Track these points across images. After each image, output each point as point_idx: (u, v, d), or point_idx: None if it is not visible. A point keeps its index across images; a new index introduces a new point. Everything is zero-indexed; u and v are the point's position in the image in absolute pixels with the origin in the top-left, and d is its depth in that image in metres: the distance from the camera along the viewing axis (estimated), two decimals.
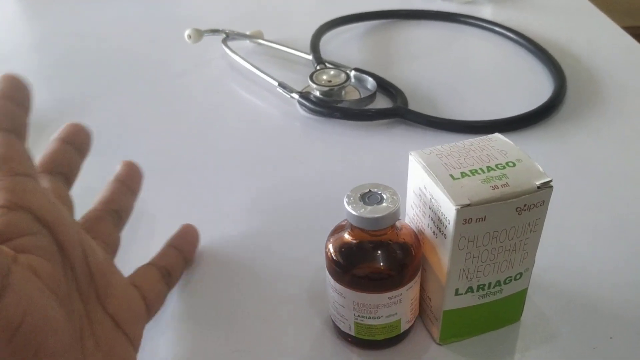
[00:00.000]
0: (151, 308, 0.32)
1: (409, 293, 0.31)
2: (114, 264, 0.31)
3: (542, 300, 0.36)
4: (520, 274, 0.32)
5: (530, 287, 0.33)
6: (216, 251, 0.40)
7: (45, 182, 0.30)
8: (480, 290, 0.31)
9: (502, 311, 0.33)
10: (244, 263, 0.39)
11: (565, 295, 0.36)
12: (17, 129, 0.26)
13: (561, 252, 0.39)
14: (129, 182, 0.36)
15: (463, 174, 0.29)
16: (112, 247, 0.32)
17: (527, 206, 0.28)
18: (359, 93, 0.58)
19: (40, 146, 0.48)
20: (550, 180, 0.28)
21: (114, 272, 0.30)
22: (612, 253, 0.39)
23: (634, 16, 1.55)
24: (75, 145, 0.33)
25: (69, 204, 0.31)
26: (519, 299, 0.33)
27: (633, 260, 0.38)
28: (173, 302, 0.37)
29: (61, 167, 0.32)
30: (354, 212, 0.29)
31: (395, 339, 0.33)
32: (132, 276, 0.33)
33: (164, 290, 0.34)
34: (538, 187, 0.28)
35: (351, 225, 0.30)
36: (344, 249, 0.30)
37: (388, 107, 0.55)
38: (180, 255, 0.37)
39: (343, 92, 0.56)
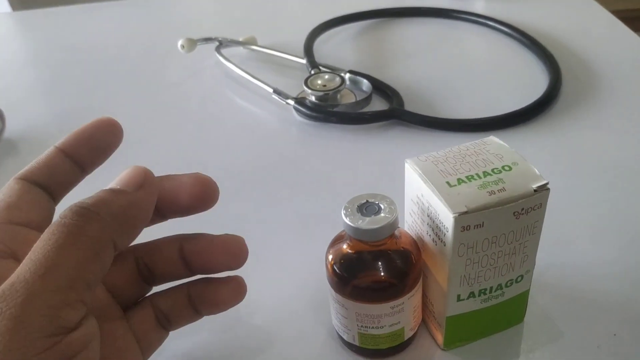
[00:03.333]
0: (145, 352, 0.30)
1: (411, 301, 0.31)
2: (116, 309, 0.29)
3: (545, 300, 0.36)
4: (521, 276, 0.32)
5: (533, 287, 0.33)
6: None
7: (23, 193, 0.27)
8: (482, 294, 0.31)
9: (505, 314, 0.33)
10: (243, 274, 0.39)
11: (567, 294, 0.36)
12: (45, 184, 0.27)
13: (562, 250, 0.39)
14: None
15: (459, 181, 0.29)
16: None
17: (525, 210, 0.28)
18: (355, 96, 0.57)
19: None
20: (547, 183, 0.28)
21: (113, 317, 0.28)
22: (614, 249, 0.39)
23: None
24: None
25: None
26: (522, 300, 0.33)
27: (635, 256, 0.38)
28: None
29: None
30: (351, 224, 0.29)
31: (399, 347, 0.33)
32: (128, 316, 0.30)
33: (159, 338, 0.30)
34: (535, 191, 0.28)
35: (350, 236, 0.30)
36: (344, 261, 0.31)
37: (384, 109, 0.55)
38: (192, 308, 0.30)
39: (338, 96, 0.56)
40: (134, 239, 0.26)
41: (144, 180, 0.26)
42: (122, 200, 0.25)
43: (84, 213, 0.23)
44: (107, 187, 0.26)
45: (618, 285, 0.36)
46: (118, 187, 0.26)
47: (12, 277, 0.21)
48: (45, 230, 0.23)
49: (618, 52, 0.63)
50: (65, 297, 0.21)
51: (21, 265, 0.22)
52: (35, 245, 0.22)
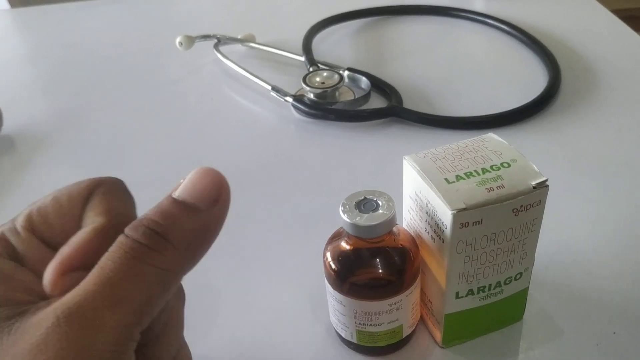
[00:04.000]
0: None
1: (409, 298, 0.31)
2: None
3: (544, 297, 0.35)
4: (520, 273, 0.31)
5: (532, 285, 0.33)
6: (213, 260, 0.40)
7: None
8: (481, 292, 0.31)
9: (504, 311, 0.33)
10: (241, 272, 0.39)
11: (566, 292, 0.36)
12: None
13: (561, 248, 0.39)
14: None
15: (458, 177, 0.29)
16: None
17: (524, 207, 0.28)
18: (353, 93, 0.57)
19: (36, 161, 0.48)
20: (546, 180, 0.28)
21: None
22: (613, 246, 0.39)
23: None
24: None
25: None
26: (521, 298, 0.33)
27: (634, 254, 0.38)
28: None
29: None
30: (349, 221, 0.29)
31: (398, 344, 0.33)
32: None
33: None
34: (534, 187, 0.28)
35: (348, 233, 0.30)
36: (342, 258, 0.30)
37: (383, 106, 0.54)
38: None
39: (337, 94, 0.56)
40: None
41: (219, 194, 0.22)
42: (196, 223, 0.21)
43: (158, 240, 0.21)
44: (177, 196, 0.22)
45: (617, 283, 0.36)
46: (191, 200, 0.22)
47: (79, 298, 0.19)
48: (114, 246, 0.20)
49: (617, 51, 0.62)
50: (131, 333, 0.20)
51: (88, 282, 0.20)
52: (103, 261, 0.20)
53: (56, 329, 0.19)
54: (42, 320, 0.19)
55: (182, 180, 0.22)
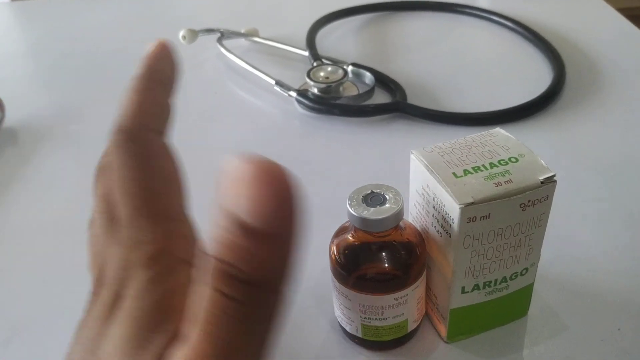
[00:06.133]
0: None
1: (414, 293, 0.31)
2: None
3: (548, 293, 0.35)
4: (526, 269, 0.31)
5: (537, 281, 0.33)
6: None
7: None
8: (487, 287, 0.31)
9: (509, 307, 0.33)
10: None
11: (571, 288, 0.36)
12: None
13: (566, 244, 0.39)
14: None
15: (466, 172, 0.29)
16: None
17: (531, 202, 0.28)
18: (357, 89, 0.57)
19: (38, 153, 0.47)
20: (554, 175, 0.28)
21: None
22: (617, 243, 0.39)
23: None
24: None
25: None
26: (526, 294, 0.33)
27: (638, 250, 0.38)
28: None
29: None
30: (356, 214, 0.29)
31: (402, 339, 0.32)
32: None
33: None
34: (542, 182, 0.28)
35: (354, 227, 0.30)
36: (348, 251, 0.30)
37: (387, 101, 0.54)
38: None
39: (341, 89, 0.56)
40: None
41: (291, 204, 0.17)
42: (282, 251, 0.17)
43: (252, 293, 0.17)
44: (238, 221, 0.17)
45: (622, 280, 0.36)
46: (264, 225, 0.17)
47: None
48: (210, 305, 0.17)
49: (622, 49, 0.62)
50: None
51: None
52: (203, 330, 0.17)
53: None
54: None
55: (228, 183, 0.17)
